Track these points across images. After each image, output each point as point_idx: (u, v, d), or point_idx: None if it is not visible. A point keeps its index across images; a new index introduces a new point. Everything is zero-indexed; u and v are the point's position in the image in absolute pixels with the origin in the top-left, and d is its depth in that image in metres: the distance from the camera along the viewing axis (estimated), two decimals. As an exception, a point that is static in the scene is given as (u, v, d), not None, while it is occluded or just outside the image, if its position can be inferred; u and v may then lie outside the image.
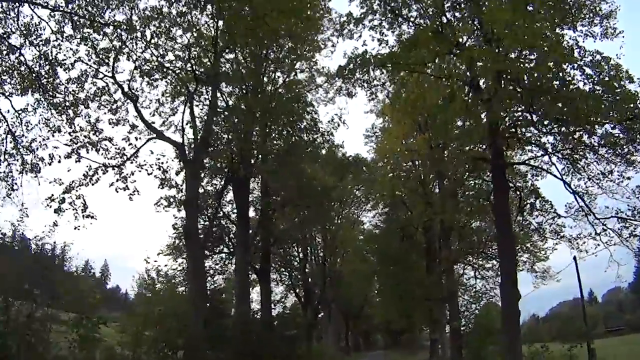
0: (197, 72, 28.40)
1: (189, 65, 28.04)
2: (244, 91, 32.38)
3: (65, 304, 19.82)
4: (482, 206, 29.64)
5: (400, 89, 29.19)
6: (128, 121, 27.16)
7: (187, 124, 28.11)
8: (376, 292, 74.54)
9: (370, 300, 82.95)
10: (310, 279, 57.08)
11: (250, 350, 26.37)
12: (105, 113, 26.33)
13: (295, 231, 46.07)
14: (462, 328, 39.81)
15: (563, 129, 23.34)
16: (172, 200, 30.88)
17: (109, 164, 26.25)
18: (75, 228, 24.65)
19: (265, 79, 33.91)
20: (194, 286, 24.69)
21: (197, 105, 29.85)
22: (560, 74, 20.86)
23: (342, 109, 35.99)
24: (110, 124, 26.67)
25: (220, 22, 28.02)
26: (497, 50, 21.05)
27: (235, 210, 35.68)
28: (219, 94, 30.63)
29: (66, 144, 25.12)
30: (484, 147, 26.05)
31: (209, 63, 29.15)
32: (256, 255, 39.62)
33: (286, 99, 32.49)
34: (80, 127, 25.52)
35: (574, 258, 28.68)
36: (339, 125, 35.15)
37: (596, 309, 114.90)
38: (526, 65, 20.90)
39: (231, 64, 32.11)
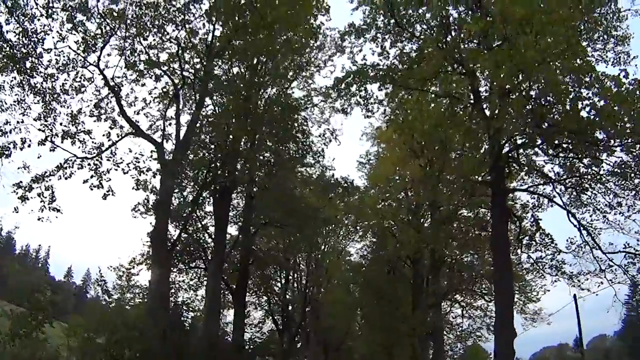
0: (186, 71, 27.50)
1: (177, 64, 27.15)
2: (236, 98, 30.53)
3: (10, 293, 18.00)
4: (478, 237, 27.67)
5: (398, 107, 27.80)
6: (110, 117, 26.46)
7: (168, 122, 26.58)
8: (358, 326, 72.75)
9: (352, 334, 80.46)
10: (290, 306, 55.08)
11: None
12: (88, 106, 25.79)
13: (277, 252, 43.93)
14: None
15: (571, 154, 21.64)
16: (150, 206, 29.21)
17: (83, 156, 25.35)
18: (38, 219, 23.78)
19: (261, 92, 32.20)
20: (155, 294, 22.46)
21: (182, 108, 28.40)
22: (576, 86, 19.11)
23: (335, 130, 34.20)
24: (92, 116, 26.05)
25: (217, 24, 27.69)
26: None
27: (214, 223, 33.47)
28: (207, 100, 29.07)
29: (40, 130, 24.31)
30: (482, 176, 24.40)
31: (199, 64, 27.76)
32: (234, 275, 37.66)
33: (279, 110, 30.72)
34: (55, 115, 24.71)
35: (574, 297, 26.84)
36: (330, 140, 33.46)
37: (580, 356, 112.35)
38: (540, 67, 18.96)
39: (225, 72, 30.79)
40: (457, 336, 46.41)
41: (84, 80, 25.20)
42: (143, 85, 26.99)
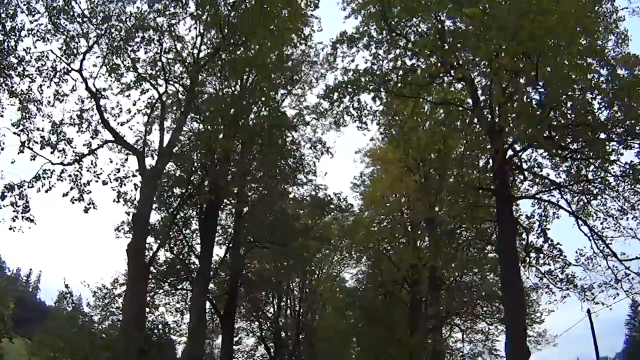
0: (171, 82, 26.51)
1: (162, 74, 26.17)
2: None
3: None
4: (480, 254, 26.01)
5: (394, 118, 26.52)
6: (91, 127, 25.49)
7: (149, 131, 25.22)
8: (354, 353, 71.02)
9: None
10: (282, 333, 53.27)
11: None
12: (70, 116, 24.97)
13: (268, 276, 42.20)
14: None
15: (579, 157, 20.30)
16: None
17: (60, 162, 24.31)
18: (10, 229, 22.51)
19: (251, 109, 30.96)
20: (129, 312, 20.61)
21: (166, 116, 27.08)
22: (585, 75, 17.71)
23: (327, 145, 32.94)
24: (72, 125, 25.10)
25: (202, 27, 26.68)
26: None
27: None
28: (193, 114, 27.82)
29: (16, 134, 23.43)
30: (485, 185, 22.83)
31: (185, 74, 26.56)
32: (223, 299, 35.88)
33: (269, 127, 29.36)
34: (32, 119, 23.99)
35: (588, 311, 25.17)
36: (322, 154, 32.04)
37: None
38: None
39: (215, 90, 29.68)
40: (458, 361, 44.36)
41: (66, 89, 24.51)
42: (128, 96, 26.21)
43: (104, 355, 19.27)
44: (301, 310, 56.72)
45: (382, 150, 41.43)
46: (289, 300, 56.50)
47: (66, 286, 21.70)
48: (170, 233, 31.70)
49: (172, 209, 27.73)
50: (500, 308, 37.88)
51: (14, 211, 22.63)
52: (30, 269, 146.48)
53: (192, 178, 27.33)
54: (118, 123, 25.69)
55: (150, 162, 25.66)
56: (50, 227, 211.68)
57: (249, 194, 31.73)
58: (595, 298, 23.87)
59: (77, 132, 25.18)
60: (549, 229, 23.79)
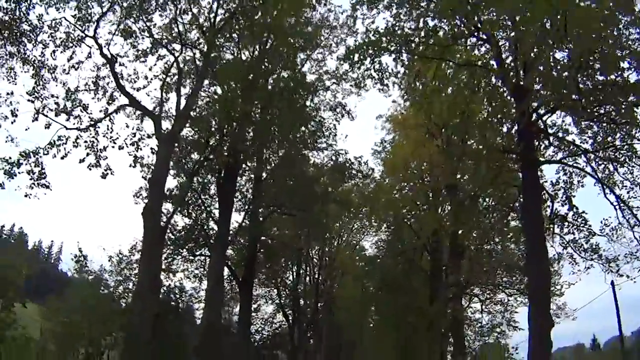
0: (188, 46, 26.34)
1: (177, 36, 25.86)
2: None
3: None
4: (502, 220, 25.29)
5: (416, 80, 25.69)
6: (107, 92, 25.20)
7: (166, 96, 24.82)
8: (372, 322, 71.06)
9: (366, 329, 78.43)
10: (301, 300, 53.23)
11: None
12: (86, 83, 24.72)
13: (287, 240, 41.90)
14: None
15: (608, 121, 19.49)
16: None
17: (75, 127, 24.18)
18: (25, 196, 22.52)
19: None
20: (145, 276, 20.32)
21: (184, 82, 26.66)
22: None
23: (347, 107, 32.26)
24: (88, 91, 24.84)
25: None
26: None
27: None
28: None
29: (30, 101, 23.30)
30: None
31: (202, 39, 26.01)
32: (242, 266, 35.71)
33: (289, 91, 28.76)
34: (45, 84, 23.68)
35: (612, 283, 24.52)
36: (342, 116, 31.37)
37: (600, 357, 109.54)
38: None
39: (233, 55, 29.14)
40: (476, 332, 43.92)
41: (81, 56, 24.22)
42: (144, 62, 25.72)
43: (120, 319, 18.97)
44: (320, 278, 56.56)
45: (404, 115, 40.66)
46: (308, 268, 56.38)
47: (80, 250, 21.41)
48: (188, 198, 31.53)
49: (189, 173, 27.22)
50: (521, 279, 37.41)
51: (30, 179, 22.59)
52: (52, 241, 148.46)
53: (209, 142, 26.80)
54: (135, 89, 25.42)
55: (167, 126, 25.46)
56: (70, 199, 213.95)
57: (269, 157, 31.20)
58: (620, 270, 23.32)
59: (93, 98, 25.00)
60: (574, 196, 23.08)
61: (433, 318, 37.57)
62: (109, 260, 22.26)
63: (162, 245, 22.55)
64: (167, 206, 30.67)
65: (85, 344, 17.37)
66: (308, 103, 31.23)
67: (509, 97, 21.12)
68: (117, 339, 18.77)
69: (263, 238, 37.34)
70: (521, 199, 22.35)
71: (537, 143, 21.65)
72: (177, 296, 22.91)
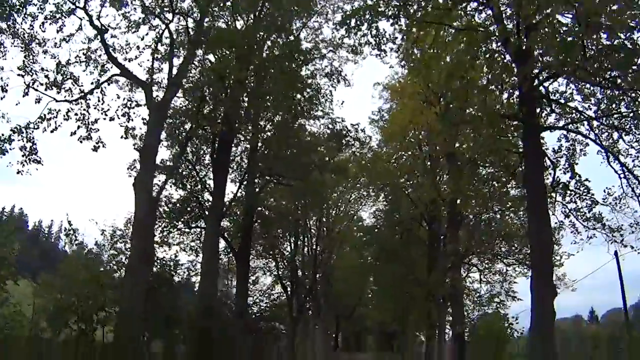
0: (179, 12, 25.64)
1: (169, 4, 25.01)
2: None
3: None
4: (505, 184, 24.70)
5: (413, 47, 24.95)
6: (98, 62, 24.62)
7: (160, 63, 24.19)
8: (370, 292, 71.26)
9: (364, 300, 78.63)
10: (299, 271, 52.96)
11: (209, 338, 21.91)
12: (76, 55, 24.22)
13: (284, 211, 41.48)
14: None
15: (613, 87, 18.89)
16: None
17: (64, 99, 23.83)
18: (18, 172, 22.36)
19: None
20: (137, 248, 19.81)
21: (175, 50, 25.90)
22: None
23: (343, 72, 31.55)
24: (78, 63, 24.34)
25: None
26: None
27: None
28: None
29: (20, 75, 22.93)
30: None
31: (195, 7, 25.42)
32: (238, 238, 35.34)
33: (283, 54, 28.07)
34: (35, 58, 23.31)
35: (615, 253, 24.04)
36: (338, 81, 30.67)
37: (598, 330, 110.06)
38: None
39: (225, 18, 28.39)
40: (475, 302, 43.70)
41: (72, 28, 23.85)
42: (135, 32, 25.07)
43: (112, 293, 18.52)
44: (318, 249, 56.30)
45: (401, 84, 39.96)
46: (306, 239, 56.01)
47: (69, 222, 20.83)
48: (182, 170, 31.06)
49: (182, 144, 26.54)
50: (520, 248, 37.09)
51: (22, 155, 22.40)
52: (52, 220, 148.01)
53: (201, 109, 26.10)
54: (127, 59, 24.83)
55: (159, 96, 24.82)
56: (68, 177, 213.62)
57: (264, 126, 30.61)
58: (624, 240, 22.87)
59: (84, 71, 24.50)
60: (576, 164, 22.50)
61: (431, 288, 37.27)
62: (102, 234, 21.75)
63: (154, 217, 22.06)
64: (161, 178, 30.51)
65: (77, 319, 16.86)
66: (304, 71, 30.54)
67: (510, 62, 20.44)
68: (111, 314, 18.28)
69: (259, 209, 36.85)
70: (523, 167, 21.73)
71: (538, 110, 21.02)
72: (171, 269, 22.32)
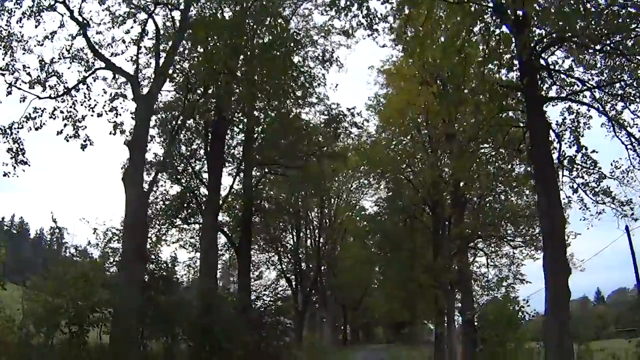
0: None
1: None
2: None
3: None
4: (511, 158, 23.83)
5: (406, 25, 24.11)
6: (83, 59, 23.78)
7: (145, 54, 23.43)
8: (376, 283, 70.86)
9: (370, 292, 78.11)
10: (303, 264, 52.39)
11: (210, 335, 21.21)
12: (60, 52, 23.29)
13: (284, 202, 40.79)
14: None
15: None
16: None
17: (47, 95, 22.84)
18: (4, 175, 21.42)
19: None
20: (129, 244, 19.04)
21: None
22: None
23: (335, 53, 30.74)
24: (63, 59, 23.42)
25: None
26: None
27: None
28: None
29: (1, 74, 22.05)
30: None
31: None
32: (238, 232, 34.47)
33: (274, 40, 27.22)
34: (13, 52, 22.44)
35: (626, 228, 23.26)
36: (331, 64, 29.96)
37: (605, 310, 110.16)
38: None
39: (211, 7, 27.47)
40: (483, 287, 43.00)
41: (54, 25, 22.79)
42: (119, 26, 24.08)
43: (104, 292, 17.72)
44: (321, 240, 55.71)
45: (396, 66, 39.07)
46: (308, 231, 55.48)
47: (54, 221, 19.91)
48: (176, 164, 30.40)
49: (172, 134, 25.62)
50: (526, 230, 36.36)
51: (11, 157, 21.64)
52: (51, 228, 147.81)
53: (189, 98, 25.23)
54: (113, 54, 23.98)
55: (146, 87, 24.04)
56: (67, 185, 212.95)
57: (258, 116, 29.77)
58: (635, 214, 22.08)
59: (69, 68, 23.68)
60: (582, 136, 21.65)
61: (438, 273, 36.51)
62: (94, 233, 20.97)
63: (146, 212, 21.27)
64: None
65: (67, 322, 16.00)
66: (295, 59, 29.67)
67: (507, 33, 19.56)
68: (105, 315, 17.46)
69: (258, 202, 36.09)
70: (526, 143, 20.88)
71: (539, 83, 20.14)
72: (167, 265, 21.49)
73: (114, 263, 20.58)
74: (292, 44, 27.68)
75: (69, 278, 16.57)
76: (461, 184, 32.36)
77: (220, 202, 28.98)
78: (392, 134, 41.35)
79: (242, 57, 26.93)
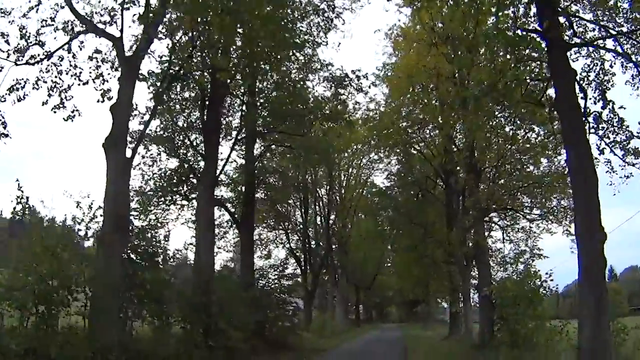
0: None
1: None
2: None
3: None
4: (532, 115, 21.83)
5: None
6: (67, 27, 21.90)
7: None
8: (389, 260, 69.64)
9: (383, 271, 76.74)
10: (313, 242, 50.85)
11: (206, 315, 19.68)
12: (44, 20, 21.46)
13: (289, 176, 39.14)
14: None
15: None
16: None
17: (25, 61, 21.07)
18: None
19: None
20: (109, 215, 17.24)
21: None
22: None
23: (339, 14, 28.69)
24: (44, 26, 21.43)
25: None
26: None
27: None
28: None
29: None
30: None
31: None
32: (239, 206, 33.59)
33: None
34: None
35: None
36: (332, 21, 28.04)
37: (619, 287, 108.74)
38: None
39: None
40: (499, 263, 41.27)
41: None
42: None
43: (80, 267, 16.07)
44: (331, 218, 54.22)
45: (404, 30, 36.96)
46: (317, 208, 53.88)
47: (20, 189, 18.03)
48: (173, 138, 28.83)
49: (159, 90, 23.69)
50: (542, 202, 34.50)
51: None
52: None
53: (176, 50, 23.32)
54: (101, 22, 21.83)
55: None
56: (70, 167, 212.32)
57: (262, 79, 28.13)
58: None
59: (52, 33, 21.67)
60: (609, 89, 19.65)
61: (452, 248, 34.76)
62: (77, 206, 19.31)
63: (128, 180, 19.50)
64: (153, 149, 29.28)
65: (35, 302, 14.26)
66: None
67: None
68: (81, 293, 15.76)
69: (261, 178, 34.43)
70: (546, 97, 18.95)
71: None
72: (153, 237, 19.77)
73: (93, 235, 18.86)
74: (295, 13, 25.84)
75: (33, 251, 14.93)
76: (475, 153, 30.38)
77: (217, 173, 27.25)
78: (400, 104, 39.28)
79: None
